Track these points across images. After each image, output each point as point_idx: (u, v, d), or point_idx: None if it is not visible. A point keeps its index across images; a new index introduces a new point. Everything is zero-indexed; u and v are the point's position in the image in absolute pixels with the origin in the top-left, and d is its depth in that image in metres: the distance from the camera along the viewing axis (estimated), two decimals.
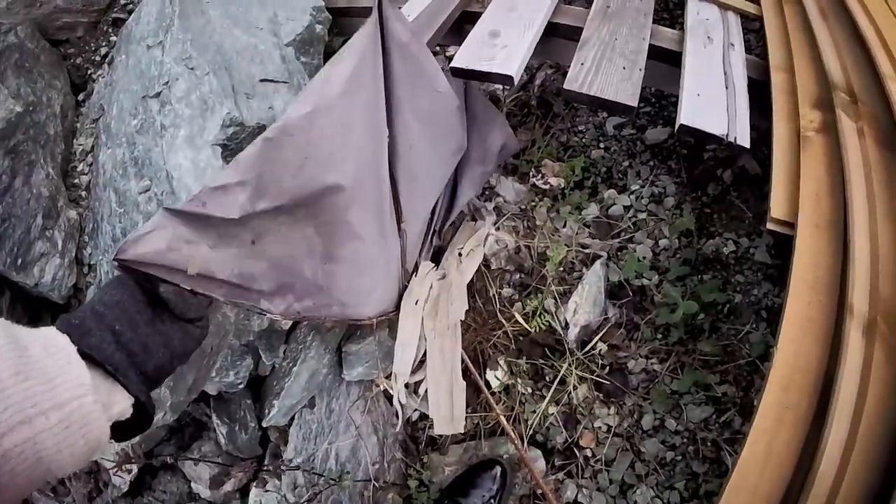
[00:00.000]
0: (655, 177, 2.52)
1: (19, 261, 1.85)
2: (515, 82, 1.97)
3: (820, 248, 1.64)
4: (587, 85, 1.90)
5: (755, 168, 2.34)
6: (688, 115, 1.85)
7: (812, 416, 1.39)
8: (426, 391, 2.08)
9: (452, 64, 2.05)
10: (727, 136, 1.83)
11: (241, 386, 2.07)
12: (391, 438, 2.30)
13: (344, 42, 2.80)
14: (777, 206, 1.73)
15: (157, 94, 2.05)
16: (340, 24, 2.69)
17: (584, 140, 2.71)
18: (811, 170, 1.79)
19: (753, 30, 2.57)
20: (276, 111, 2.04)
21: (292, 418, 2.15)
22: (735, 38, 2.26)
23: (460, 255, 2.26)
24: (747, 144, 1.85)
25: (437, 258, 2.29)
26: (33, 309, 2.01)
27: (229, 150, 1.92)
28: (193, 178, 1.85)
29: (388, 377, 2.19)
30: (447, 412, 2.00)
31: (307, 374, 2.11)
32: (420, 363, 2.11)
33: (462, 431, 2.03)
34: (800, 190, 1.74)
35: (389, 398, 2.27)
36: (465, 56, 2.06)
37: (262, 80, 2.10)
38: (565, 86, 1.91)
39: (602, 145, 2.68)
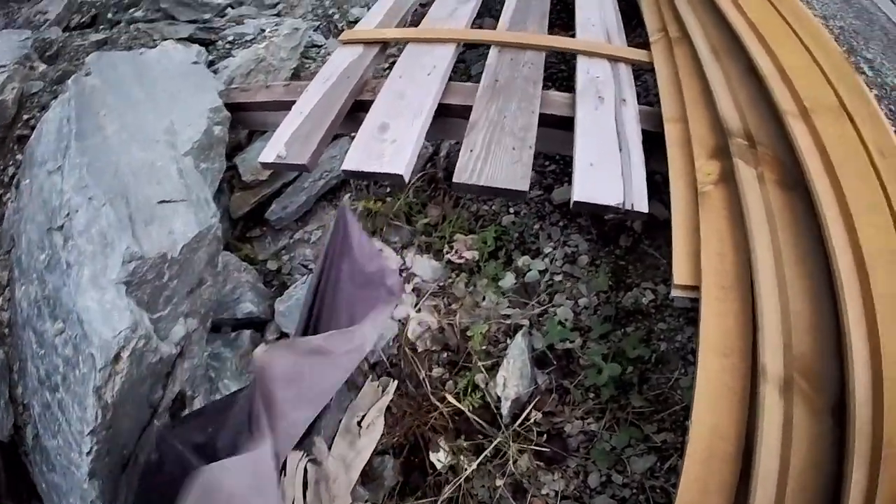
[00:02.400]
0: (567, 237, 2.39)
1: None
2: (406, 179, 1.81)
3: (727, 310, 1.50)
4: (477, 174, 1.76)
5: (664, 213, 2.20)
6: (582, 190, 1.71)
7: (737, 482, 1.30)
8: None
9: (343, 167, 1.89)
10: (623, 204, 1.70)
11: None
12: None
13: (250, 135, 2.65)
14: (680, 272, 1.58)
15: (60, 227, 1.90)
16: (241, 119, 2.53)
17: (493, 207, 2.58)
18: (712, 228, 1.65)
19: (648, 70, 2.41)
20: (175, 235, 1.87)
21: None
22: (627, 92, 2.14)
23: (360, 424, 2.06)
24: (645, 209, 1.71)
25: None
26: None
27: (133, 285, 1.76)
28: (102, 321, 1.68)
29: None
30: None
31: None
32: None
33: None
34: (702, 251, 1.59)
35: None
36: (356, 156, 1.90)
37: (159, 202, 1.93)
38: (455, 178, 1.77)
39: (512, 210, 2.55)
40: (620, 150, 1.86)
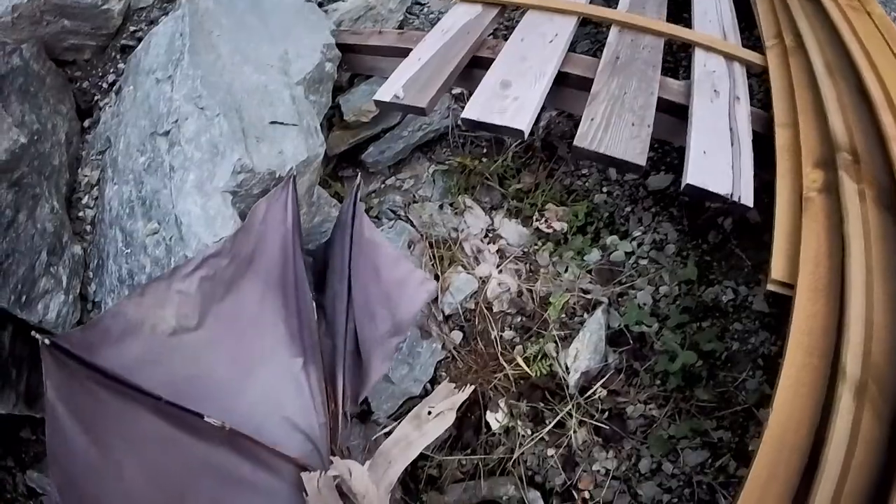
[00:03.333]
0: (657, 223, 2.55)
1: (23, 298, 1.84)
2: (526, 136, 2.00)
3: (817, 311, 1.65)
4: (597, 142, 1.93)
5: (755, 217, 2.36)
6: (694, 174, 1.87)
7: (802, 472, 1.44)
8: None
9: (464, 115, 2.06)
10: (731, 195, 1.86)
11: None
12: None
13: (351, 79, 2.88)
14: (777, 268, 1.75)
15: (166, 133, 2.06)
16: (348, 60, 2.72)
17: (587, 184, 2.74)
18: (812, 232, 1.81)
19: (755, 74, 2.59)
20: (285, 156, 2.05)
21: None
22: (741, 91, 2.29)
23: (429, 413, 2.18)
24: (751, 204, 1.88)
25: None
26: (34, 344, 1.99)
27: (239, 196, 1.93)
28: (204, 226, 1.86)
29: None
30: None
31: None
32: None
33: None
34: (800, 252, 1.76)
35: None
36: (477, 107, 2.08)
37: (271, 123, 2.12)
38: (575, 143, 1.93)
39: (605, 190, 2.71)
40: (732, 144, 2.01)
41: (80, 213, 2.22)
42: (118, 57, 2.61)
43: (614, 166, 2.49)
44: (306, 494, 1.79)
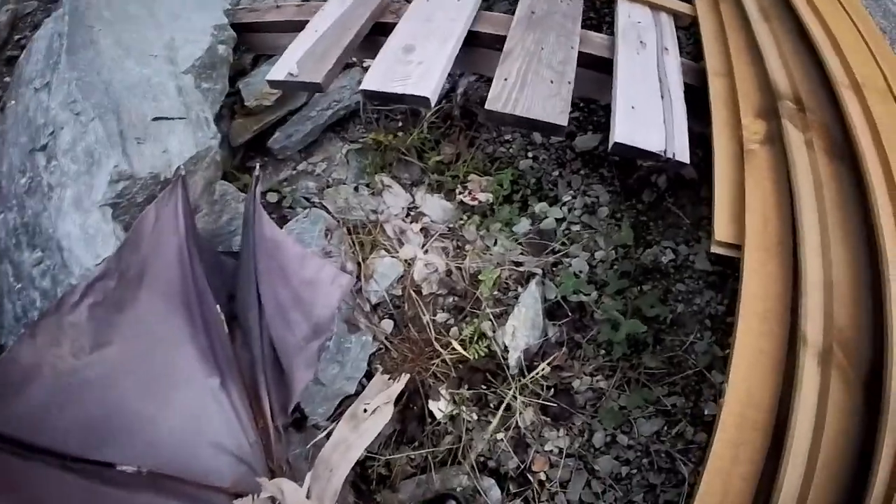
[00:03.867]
0: (587, 186, 2.31)
1: None
2: (433, 104, 1.71)
3: (769, 273, 1.46)
4: (512, 104, 1.66)
5: (691, 173, 2.15)
6: (623, 132, 1.62)
7: (767, 450, 1.29)
8: None
9: (362, 86, 1.79)
10: (665, 152, 1.62)
11: None
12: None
13: (255, 60, 2.42)
14: (721, 228, 1.53)
15: (44, 147, 1.76)
16: (248, 41, 2.38)
17: (510, 150, 2.48)
18: (757, 186, 1.60)
19: (683, 27, 2.31)
20: (171, 154, 1.75)
21: None
22: (669, 41, 2.05)
23: (366, 410, 1.93)
24: (686, 160, 1.64)
25: None
26: None
27: (121, 208, 1.64)
28: (84, 248, 1.58)
29: None
30: None
31: None
32: None
33: None
34: (745, 210, 1.54)
35: None
36: (377, 76, 1.79)
37: (154, 119, 1.81)
38: (487, 105, 1.68)
39: (530, 155, 2.45)
40: (662, 97, 1.78)
41: None
42: (4, 70, 2.29)
43: (533, 129, 2.21)
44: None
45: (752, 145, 1.66)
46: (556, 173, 2.38)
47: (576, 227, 2.21)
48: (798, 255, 1.46)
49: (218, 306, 1.65)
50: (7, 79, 2.24)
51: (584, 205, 2.25)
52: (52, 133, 1.77)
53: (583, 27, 2.08)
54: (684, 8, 2.22)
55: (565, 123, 1.63)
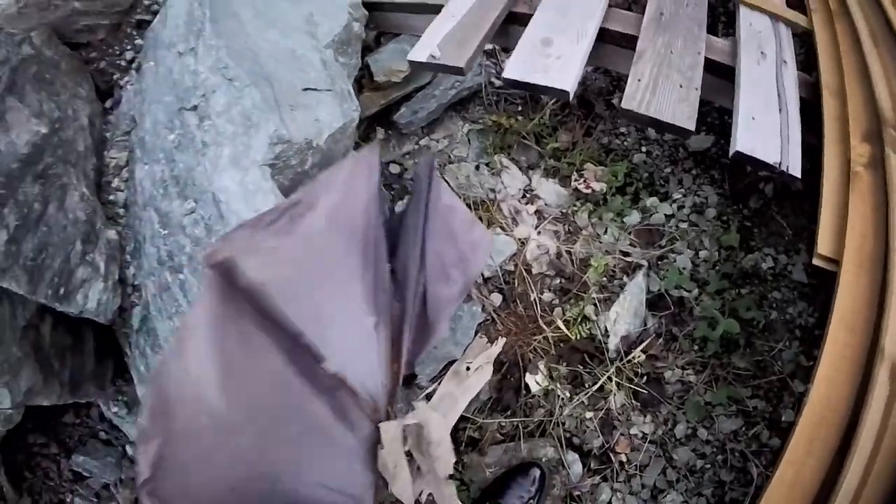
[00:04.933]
0: (698, 186, 2.67)
1: (61, 290, 1.84)
2: (571, 97, 2.10)
3: (860, 289, 1.77)
4: (645, 105, 2.02)
5: (797, 185, 2.45)
6: (744, 141, 1.98)
7: (837, 449, 1.58)
8: None
9: (506, 74, 2.15)
10: (780, 164, 1.96)
11: None
12: None
13: (378, 38, 2.93)
14: (824, 243, 1.85)
15: (195, 108, 2.09)
16: (374, 19, 2.79)
17: (625, 143, 2.86)
18: (859, 207, 1.91)
19: (797, 35, 2.63)
20: (322, 123, 2.13)
21: None
22: (787, 53, 2.37)
23: (468, 369, 2.33)
24: (798, 174, 1.97)
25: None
26: (75, 331, 2.10)
27: (277, 168, 2.01)
28: (243, 202, 1.91)
29: None
30: None
31: None
32: None
33: None
34: (847, 228, 1.86)
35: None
36: (518, 66, 2.17)
37: (304, 90, 2.18)
38: (623, 104, 2.03)
39: (644, 150, 2.82)
40: (780, 110, 2.10)
41: (112, 197, 2.26)
42: (134, 33, 2.63)
43: (662, 130, 2.57)
44: (382, 447, 1.83)
45: (858, 167, 1.95)
46: (668, 170, 2.76)
47: (683, 225, 2.58)
48: (887, 275, 1.73)
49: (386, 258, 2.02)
50: (138, 41, 2.56)
51: (693, 204, 2.63)
52: (204, 95, 2.06)
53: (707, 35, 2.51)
54: (801, 20, 2.52)
55: (693, 128, 1.97)
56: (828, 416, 1.62)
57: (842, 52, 2.35)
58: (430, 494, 2.00)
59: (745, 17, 2.49)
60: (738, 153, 1.97)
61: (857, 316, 1.73)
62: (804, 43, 2.60)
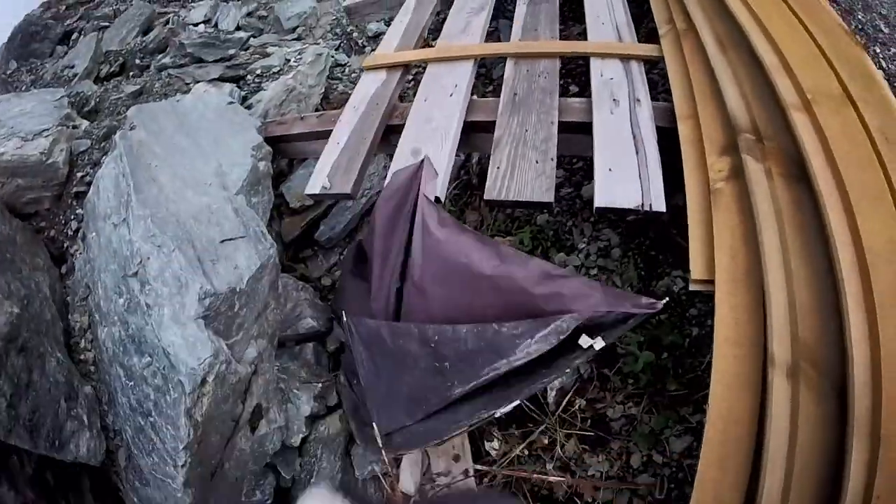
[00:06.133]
0: (598, 231, 2.65)
1: (56, 443, 2.02)
2: (443, 200, 2.09)
3: (739, 302, 1.70)
4: (505, 191, 2.03)
5: (664, 216, 2.40)
6: (602, 195, 1.96)
7: (752, 460, 1.50)
8: None
9: (384, 190, 2.17)
10: (642, 206, 1.93)
11: (269, 502, 2.28)
12: None
13: (290, 162, 2.97)
14: (696, 267, 1.80)
15: (135, 274, 2.19)
16: (281, 150, 2.85)
17: (529, 209, 2.80)
18: (724, 224, 1.85)
19: (656, 65, 2.63)
20: (241, 269, 2.17)
21: None
22: (640, 91, 2.36)
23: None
24: (663, 208, 1.94)
25: None
26: (74, 475, 2.18)
27: (209, 318, 2.06)
28: (187, 352, 1.99)
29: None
30: None
31: (324, 481, 2.29)
32: None
33: None
34: (715, 247, 1.79)
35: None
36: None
37: (222, 242, 2.23)
38: (485, 196, 2.05)
39: (545, 210, 2.79)
40: (637, 152, 2.09)
41: (82, 356, 2.38)
42: (74, 203, 2.76)
43: (525, 207, 2.54)
44: None
45: (718, 184, 1.91)
46: (570, 223, 2.73)
47: (593, 271, 2.55)
48: (763, 281, 1.66)
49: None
50: (79, 210, 2.69)
51: (598, 249, 2.60)
52: (140, 262, 2.16)
53: (571, 77, 2.50)
54: (652, 51, 2.52)
55: (551, 199, 1.96)
56: (733, 432, 1.55)
57: (691, 71, 2.33)
58: None
59: (595, 68, 2.50)
60: (599, 209, 1.96)
61: (741, 328, 1.66)
62: (662, 71, 2.57)
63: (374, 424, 2.04)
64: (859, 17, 3.08)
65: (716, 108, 2.15)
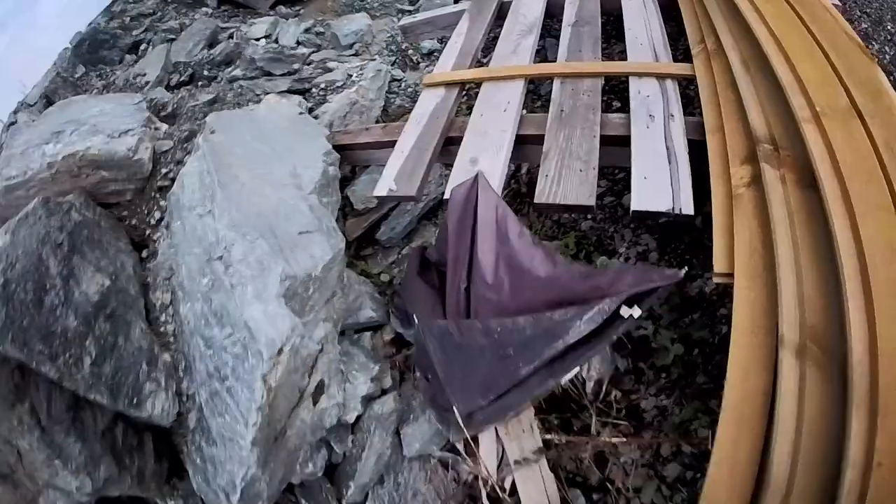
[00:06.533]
0: (637, 237, 3.03)
1: (135, 400, 2.42)
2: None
3: (755, 295, 2.05)
4: (552, 195, 2.45)
5: (697, 220, 2.78)
6: (638, 200, 2.36)
7: (764, 432, 1.81)
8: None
9: (446, 196, 2.61)
10: (673, 209, 2.32)
11: (319, 474, 2.67)
12: (452, 501, 2.74)
13: (353, 169, 3.51)
14: (718, 262, 2.17)
15: (220, 258, 2.61)
16: (347, 157, 3.33)
17: (573, 215, 3.25)
18: (744, 225, 2.22)
19: (690, 82, 3.01)
20: (316, 258, 2.62)
21: (366, 495, 2.71)
22: (674, 107, 2.77)
23: None
24: (691, 212, 2.32)
25: None
26: (139, 435, 2.57)
27: (288, 297, 2.49)
28: (268, 325, 2.40)
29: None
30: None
31: (374, 457, 2.69)
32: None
33: None
34: (735, 244, 2.16)
35: (446, 466, 2.75)
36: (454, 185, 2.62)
37: (299, 233, 2.68)
38: (535, 199, 2.46)
39: (589, 217, 3.21)
40: (670, 162, 2.48)
41: (162, 329, 2.78)
42: (157, 196, 3.20)
43: (570, 211, 2.92)
44: None
45: (740, 189, 2.26)
46: (611, 229, 3.11)
47: None
48: (776, 272, 1.98)
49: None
50: (162, 202, 3.11)
51: (637, 253, 2.97)
52: (226, 247, 2.57)
53: (615, 93, 2.92)
54: (687, 70, 2.92)
55: (593, 204, 2.36)
56: (747, 408, 1.86)
57: (719, 88, 2.71)
58: None
59: (634, 86, 2.92)
60: (635, 212, 2.35)
61: (757, 318, 2.00)
62: (696, 87, 2.94)
63: (454, 409, 2.41)
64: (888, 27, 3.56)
65: (740, 122, 2.53)
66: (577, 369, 2.30)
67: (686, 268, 2.22)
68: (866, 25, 4.31)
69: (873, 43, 4.12)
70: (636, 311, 2.13)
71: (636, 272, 2.24)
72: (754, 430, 1.82)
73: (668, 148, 2.59)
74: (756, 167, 2.34)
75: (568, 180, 2.52)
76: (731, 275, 2.14)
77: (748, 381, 1.90)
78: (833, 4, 2.92)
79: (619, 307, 2.14)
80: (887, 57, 4.05)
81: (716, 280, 2.19)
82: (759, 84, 2.63)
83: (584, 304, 2.17)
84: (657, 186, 2.43)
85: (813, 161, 2.17)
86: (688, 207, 2.36)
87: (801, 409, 1.76)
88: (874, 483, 1.55)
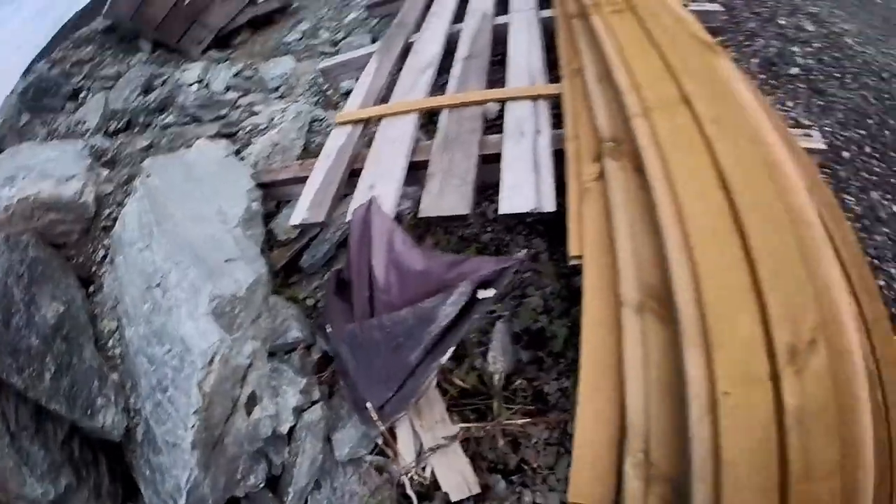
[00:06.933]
0: (529, 241, 3.56)
1: (89, 412, 2.94)
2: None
3: (600, 268, 2.57)
4: (435, 208, 3.01)
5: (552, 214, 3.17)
6: (504, 204, 2.94)
7: (619, 386, 2.24)
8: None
9: (348, 217, 3.17)
10: (535, 209, 2.88)
11: (261, 485, 3.11)
12: (388, 501, 3.17)
13: (278, 204, 4.17)
14: (572, 247, 2.71)
15: (158, 285, 3.18)
16: (270, 193, 3.95)
17: (474, 230, 3.77)
18: (591, 211, 2.76)
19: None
20: (240, 281, 3.16)
21: (306, 501, 3.15)
22: (543, 124, 3.36)
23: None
24: (553, 208, 2.89)
25: None
26: (94, 451, 3.09)
27: (216, 314, 3.01)
28: (199, 339, 2.92)
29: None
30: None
31: (308, 461, 3.15)
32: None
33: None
34: (584, 230, 2.69)
35: (380, 469, 3.18)
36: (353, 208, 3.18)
37: (225, 261, 3.24)
38: (419, 213, 3.03)
39: (488, 228, 3.73)
40: (535, 171, 3.04)
41: (110, 353, 3.34)
42: (101, 235, 3.79)
43: (451, 220, 3.50)
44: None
45: (588, 184, 2.79)
46: (507, 238, 3.61)
47: (527, 274, 3.41)
48: (613, 247, 2.48)
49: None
50: (106, 241, 3.73)
51: (531, 256, 3.46)
52: (162, 276, 3.14)
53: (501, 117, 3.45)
54: (556, 90, 3.52)
55: (467, 211, 2.92)
56: (601, 362, 2.35)
57: (577, 103, 3.30)
58: None
59: (509, 109, 3.57)
60: (502, 215, 2.96)
61: (603, 283, 2.53)
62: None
63: (367, 405, 2.90)
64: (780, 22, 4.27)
65: (590, 127, 3.08)
66: (452, 348, 2.84)
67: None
68: (753, 25, 5.06)
69: (759, 39, 4.85)
70: (490, 292, 2.69)
71: (490, 261, 2.84)
72: (610, 378, 2.27)
73: (534, 160, 3.17)
74: (601, 163, 2.88)
75: (448, 194, 3.09)
76: (581, 256, 2.66)
77: (599, 337, 2.39)
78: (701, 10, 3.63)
79: (475, 290, 2.73)
80: (773, 50, 4.76)
81: (571, 262, 2.72)
82: (606, 92, 3.20)
83: (448, 290, 2.73)
84: (523, 192, 3.00)
85: (642, 151, 2.71)
86: (549, 206, 2.92)
87: (646, 355, 2.19)
88: (724, 412, 1.86)
